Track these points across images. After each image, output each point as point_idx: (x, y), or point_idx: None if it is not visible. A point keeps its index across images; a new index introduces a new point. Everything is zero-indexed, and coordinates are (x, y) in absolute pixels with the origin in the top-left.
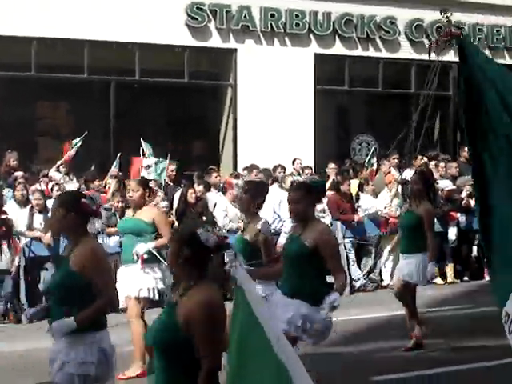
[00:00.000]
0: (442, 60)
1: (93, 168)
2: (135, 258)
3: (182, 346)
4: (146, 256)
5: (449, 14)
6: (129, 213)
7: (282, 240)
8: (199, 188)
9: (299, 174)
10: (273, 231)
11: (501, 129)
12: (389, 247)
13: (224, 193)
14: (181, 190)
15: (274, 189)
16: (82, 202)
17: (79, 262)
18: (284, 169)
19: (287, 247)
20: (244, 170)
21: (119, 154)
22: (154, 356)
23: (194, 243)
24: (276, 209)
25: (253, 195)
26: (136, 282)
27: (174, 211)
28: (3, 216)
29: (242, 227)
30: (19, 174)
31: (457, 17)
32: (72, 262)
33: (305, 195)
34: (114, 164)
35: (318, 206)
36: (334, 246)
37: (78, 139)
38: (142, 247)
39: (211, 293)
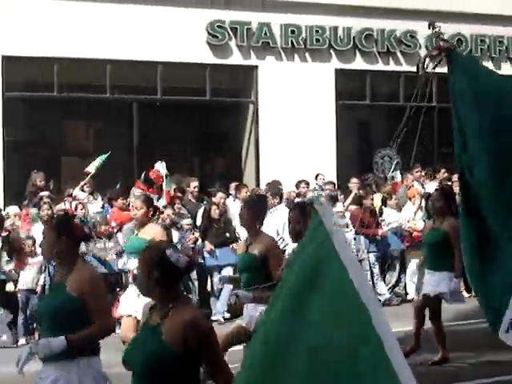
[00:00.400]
0: (435, 72)
1: (118, 186)
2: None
3: (170, 366)
4: (135, 271)
5: (437, 29)
6: (120, 237)
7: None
8: (220, 195)
9: (322, 190)
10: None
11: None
12: (417, 262)
13: None
14: (204, 206)
15: (280, 209)
16: (74, 225)
17: (78, 287)
18: (308, 184)
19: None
20: (267, 185)
21: (144, 173)
22: (137, 379)
23: (163, 265)
24: (280, 231)
25: (254, 212)
26: (136, 302)
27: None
28: (4, 234)
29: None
30: (45, 193)
31: (475, 29)
32: (70, 287)
33: (301, 215)
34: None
35: (341, 221)
36: None
37: (101, 159)
38: (133, 262)
39: (194, 310)
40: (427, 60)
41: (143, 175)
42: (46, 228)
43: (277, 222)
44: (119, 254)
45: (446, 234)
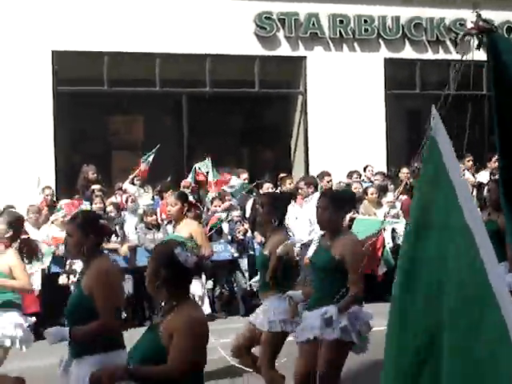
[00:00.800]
0: (467, 59)
1: (169, 179)
2: None
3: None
4: None
5: (478, 9)
6: (171, 229)
7: (310, 252)
8: (266, 185)
9: (371, 181)
10: (307, 242)
11: None
12: None
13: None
14: (253, 198)
15: (314, 199)
16: (101, 223)
17: (89, 285)
18: (360, 175)
19: (314, 259)
20: (317, 177)
21: (195, 166)
22: None
23: (171, 264)
24: (312, 220)
25: (270, 209)
26: None
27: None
28: (24, 236)
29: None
30: (96, 187)
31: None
32: (84, 285)
33: (330, 203)
34: (190, 175)
35: (392, 211)
36: (357, 258)
37: (150, 153)
38: None
39: (195, 310)
40: (466, 38)
41: (191, 177)
42: (71, 226)
43: (310, 212)
44: None
45: (499, 228)
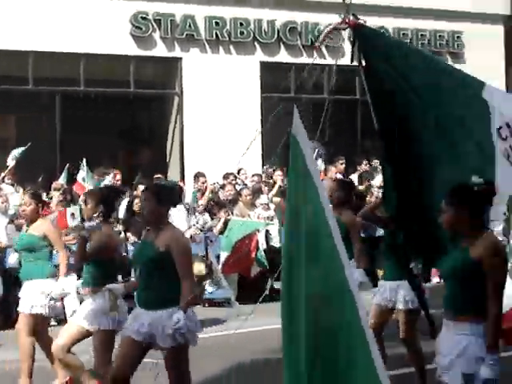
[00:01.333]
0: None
1: (40, 179)
2: (53, 300)
3: None
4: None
5: (348, 1)
6: (24, 228)
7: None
8: (141, 187)
9: (244, 184)
10: None
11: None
12: None
13: None
14: (127, 199)
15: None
16: None
17: None
18: (235, 177)
19: (138, 254)
20: (193, 177)
21: (67, 166)
22: None
23: None
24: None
25: (93, 204)
26: (30, 298)
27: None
28: None
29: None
30: None
31: (401, 23)
32: None
33: (151, 197)
34: (63, 175)
35: (266, 213)
36: (183, 250)
37: (19, 150)
38: (56, 290)
39: None
40: (327, 31)
41: (66, 168)
42: None
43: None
44: None
45: (345, 226)
